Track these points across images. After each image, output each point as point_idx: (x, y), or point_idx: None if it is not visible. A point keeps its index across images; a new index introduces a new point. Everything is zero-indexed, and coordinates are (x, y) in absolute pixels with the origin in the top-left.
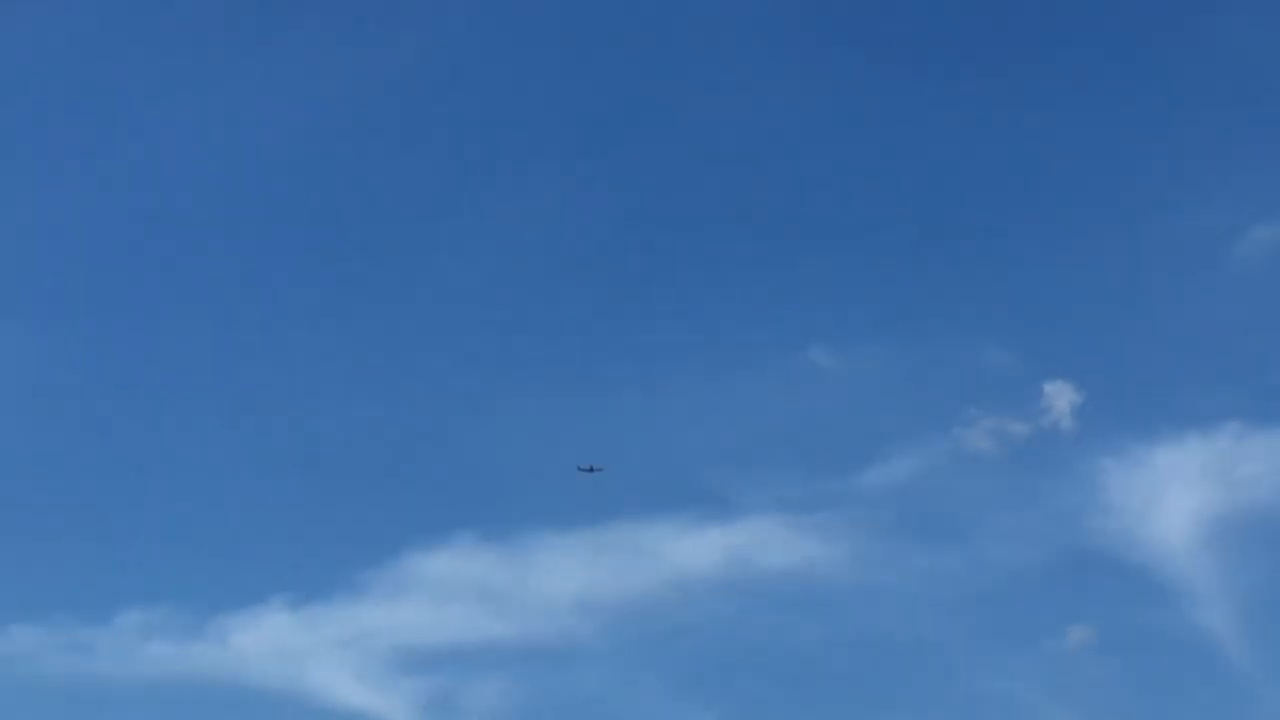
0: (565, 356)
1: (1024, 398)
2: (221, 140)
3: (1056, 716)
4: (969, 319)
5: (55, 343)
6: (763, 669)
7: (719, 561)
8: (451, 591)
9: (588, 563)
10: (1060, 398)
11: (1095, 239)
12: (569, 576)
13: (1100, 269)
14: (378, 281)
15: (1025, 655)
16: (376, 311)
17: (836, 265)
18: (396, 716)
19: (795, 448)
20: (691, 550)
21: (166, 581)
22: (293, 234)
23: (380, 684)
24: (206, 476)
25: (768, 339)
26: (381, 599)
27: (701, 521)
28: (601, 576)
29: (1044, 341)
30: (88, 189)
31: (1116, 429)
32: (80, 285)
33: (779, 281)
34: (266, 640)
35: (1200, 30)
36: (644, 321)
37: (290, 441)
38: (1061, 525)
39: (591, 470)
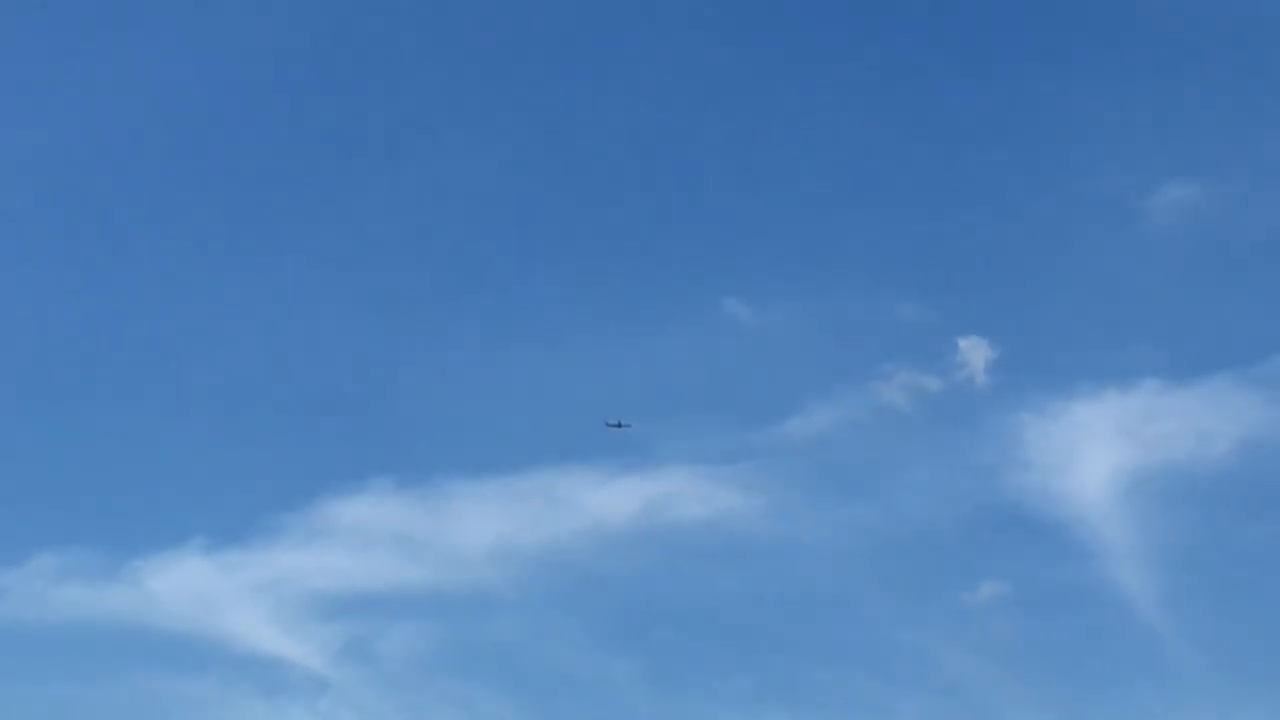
0: (483, 306)
1: (939, 353)
2: (146, 74)
3: (969, 670)
4: (884, 273)
5: None
6: (678, 619)
7: (636, 511)
8: (368, 538)
9: (505, 511)
10: (975, 353)
11: (1011, 197)
12: (486, 524)
13: (1016, 226)
14: (296, 231)
15: (939, 608)
16: (295, 260)
17: (752, 218)
18: (311, 662)
19: (712, 399)
20: (609, 500)
21: (81, 524)
22: (213, 183)
23: (295, 629)
24: (123, 420)
25: (683, 291)
26: (298, 544)
27: (619, 471)
28: (519, 525)
29: (959, 297)
30: None
31: (1032, 385)
32: None
33: (694, 234)
34: (182, 584)
35: None
36: (561, 272)
37: (208, 386)
38: (978, 480)
39: (620, 426)
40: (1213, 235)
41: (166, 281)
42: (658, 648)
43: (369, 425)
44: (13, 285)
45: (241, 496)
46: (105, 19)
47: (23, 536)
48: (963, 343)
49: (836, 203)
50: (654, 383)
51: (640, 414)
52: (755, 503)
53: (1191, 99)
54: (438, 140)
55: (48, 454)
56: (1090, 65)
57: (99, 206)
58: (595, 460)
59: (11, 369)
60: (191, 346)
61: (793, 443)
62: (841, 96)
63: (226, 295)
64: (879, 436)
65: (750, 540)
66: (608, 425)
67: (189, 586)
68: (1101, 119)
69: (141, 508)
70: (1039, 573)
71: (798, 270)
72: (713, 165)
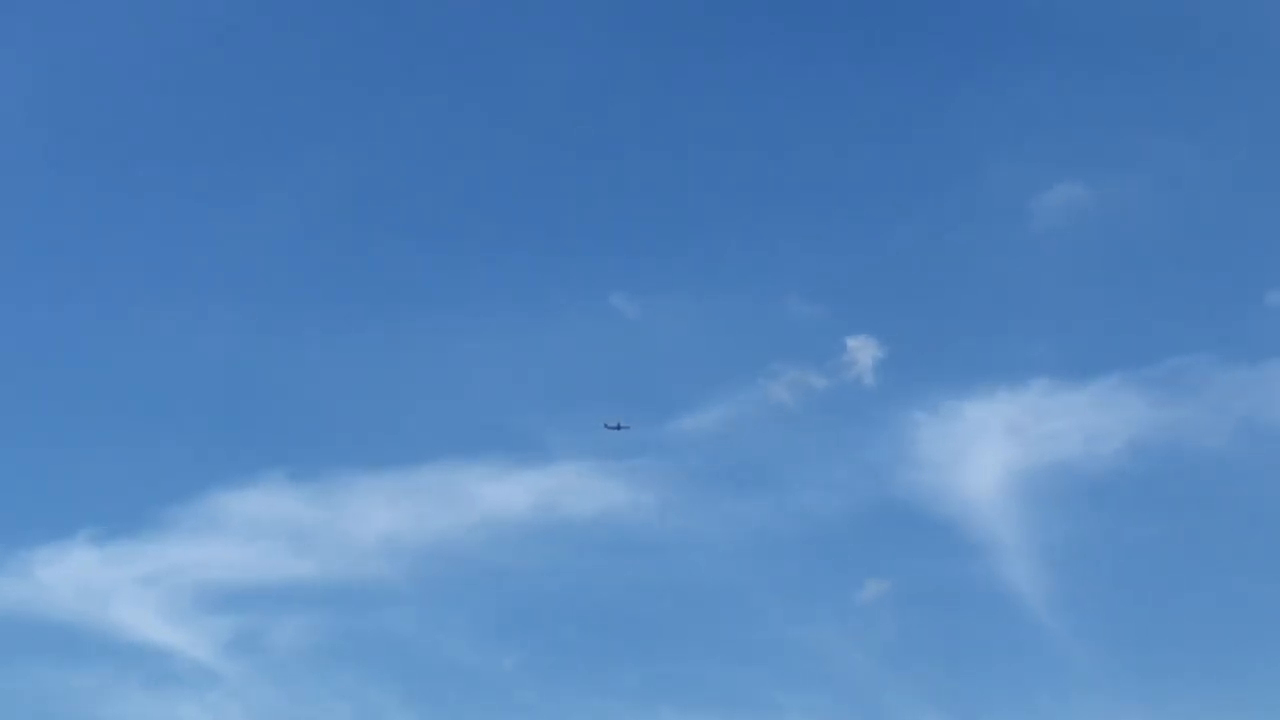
0: (374, 301)
1: (827, 352)
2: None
3: (859, 666)
4: (772, 271)
5: None
6: (569, 614)
7: (529, 506)
8: (259, 530)
9: (397, 504)
10: (863, 352)
11: (900, 197)
12: (378, 518)
13: (905, 226)
14: (184, 218)
15: (829, 605)
16: (186, 250)
17: (640, 214)
18: (201, 654)
19: (603, 394)
20: (501, 494)
21: None
22: (101, 169)
23: (185, 621)
24: (12, 410)
25: (570, 285)
26: (188, 536)
27: (512, 466)
28: (410, 518)
29: (847, 296)
30: None
31: (922, 384)
32: None
33: (582, 229)
34: (71, 575)
35: None
36: (450, 265)
37: (99, 376)
38: (869, 478)
39: (619, 428)
40: (1101, 236)
41: (56, 271)
42: (549, 642)
43: (261, 418)
44: None
45: (131, 488)
46: None
47: None
48: (851, 342)
49: (724, 200)
50: (544, 377)
51: (531, 409)
52: (646, 498)
53: (1080, 100)
54: (327, 132)
55: None
56: (980, 66)
57: None
58: (488, 455)
59: None
60: (86, 337)
61: (683, 439)
62: (732, 94)
63: (119, 286)
64: (769, 434)
65: (641, 536)
66: (606, 426)
67: (78, 578)
68: (991, 120)
69: (30, 499)
70: (929, 570)
71: (685, 267)
72: (601, 161)
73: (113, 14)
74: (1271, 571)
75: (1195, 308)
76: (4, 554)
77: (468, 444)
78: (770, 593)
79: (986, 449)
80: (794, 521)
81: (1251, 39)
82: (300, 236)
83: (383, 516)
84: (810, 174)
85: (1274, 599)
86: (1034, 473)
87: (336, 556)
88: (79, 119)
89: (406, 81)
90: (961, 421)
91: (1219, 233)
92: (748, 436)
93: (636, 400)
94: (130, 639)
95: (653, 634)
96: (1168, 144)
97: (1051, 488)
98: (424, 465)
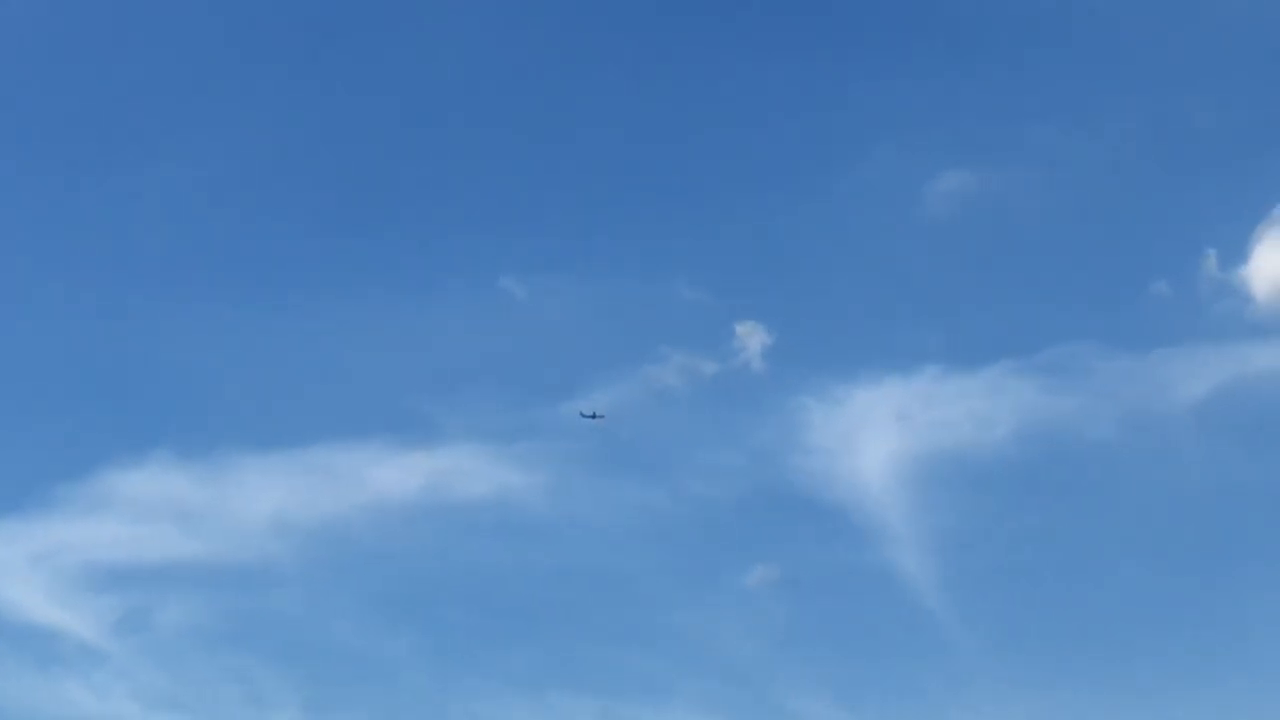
0: (265, 282)
1: (716, 337)
2: None
3: (747, 650)
4: (661, 257)
5: None
6: (458, 595)
7: (419, 487)
8: (147, 509)
9: (286, 485)
10: (752, 338)
11: (789, 184)
12: (267, 498)
13: (794, 213)
14: (69, 198)
15: (718, 589)
16: (72, 230)
17: (530, 198)
18: (87, 633)
19: (492, 377)
20: (391, 475)
21: None
22: None
23: (71, 601)
24: None
25: (459, 267)
26: (76, 515)
27: (402, 447)
28: (300, 499)
29: (736, 283)
30: None
31: (811, 370)
32: None
33: (471, 211)
34: None
35: None
36: (339, 247)
37: None
38: (760, 462)
39: (595, 417)
40: (988, 223)
41: None
42: (437, 624)
43: (150, 398)
44: None
45: (18, 466)
46: None
47: None
48: (739, 328)
49: (615, 185)
50: (434, 359)
51: (421, 391)
52: (537, 481)
53: (967, 90)
54: (216, 113)
55: None
56: (867, 54)
57: None
58: (378, 436)
59: None
60: None
61: (573, 422)
62: (622, 80)
63: (4, 268)
64: (659, 418)
65: (532, 518)
66: (582, 415)
67: None
68: (879, 108)
69: None
70: (818, 555)
71: (574, 250)
72: (490, 144)
73: None
74: (1155, 558)
75: (1082, 296)
76: None
77: (357, 425)
78: (660, 577)
79: (876, 435)
80: (684, 506)
81: (1134, 30)
82: (190, 217)
83: (271, 497)
84: (700, 160)
85: (1157, 585)
86: (923, 459)
87: (224, 537)
88: None
89: (300, 64)
90: (852, 408)
91: (1103, 222)
92: (639, 420)
93: (527, 383)
94: (17, 618)
95: (542, 617)
96: (1053, 133)
97: (940, 474)
98: (313, 446)
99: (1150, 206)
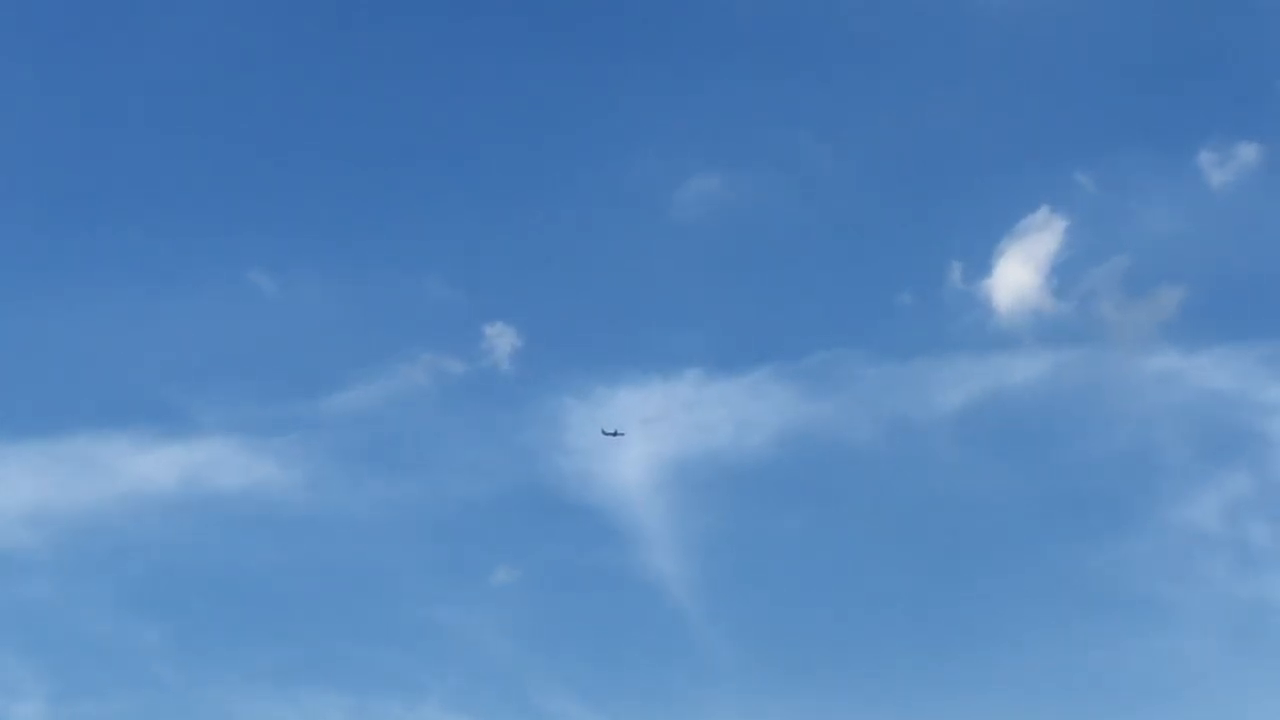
0: (16, 270)
1: (464, 337)
2: None
3: (502, 649)
4: (411, 255)
5: None
6: (212, 588)
7: (175, 479)
8: None
9: (40, 475)
10: (501, 340)
11: (539, 185)
12: (19, 488)
13: (545, 215)
14: None
15: (473, 588)
16: None
17: (278, 191)
18: None
19: (247, 370)
20: (147, 466)
21: None
22: None
23: None
24: None
25: (207, 260)
26: None
27: (158, 438)
28: (54, 489)
29: (486, 283)
30: None
31: (565, 373)
32: None
33: (219, 204)
34: None
35: None
36: (88, 239)
37: None
38: (520, 462)
39: (615, 434)
40: (737, 228)
41: None
42: (190, 617)
43: None
44: None
45: None
46: None
47: None
48: (488, 329)
49: (367, 181)
50: (188, 351)
51: (176, 382)
52: (294, 475)
53: (716, 95)
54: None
55: None
56: (619, 59)
57: None
58: (134, 427)
59: None
60: None
61: (332, 418)
62: (375, 77)
63: None
64: (417, 415)
65: (288, 512)
66: (603, 433)
67: None
68: (629, 112)
69: None
70: (574, 555)
71: (324, 246)
72: (241, 139)
73: None
74: (911, 564)
75: (834, 304)
76: None
77: (113, 416)
78: (415, 574)
79: (636, 437)
80: (440, 503)
81: (885, 42)
82: None
83: (25, 486)
84: (452, 160)
85: (913, 592)
86: (683, 461)
87: None
88: None
89: (45, 52)
90: (612, 409)
91: (852, 231)
92: (395, 417)
93: (281, 377)
94: None
95: (296, 612)
96: (803, 141)
97: (700, 477)
98: (68, 436)
99: (898, 217)
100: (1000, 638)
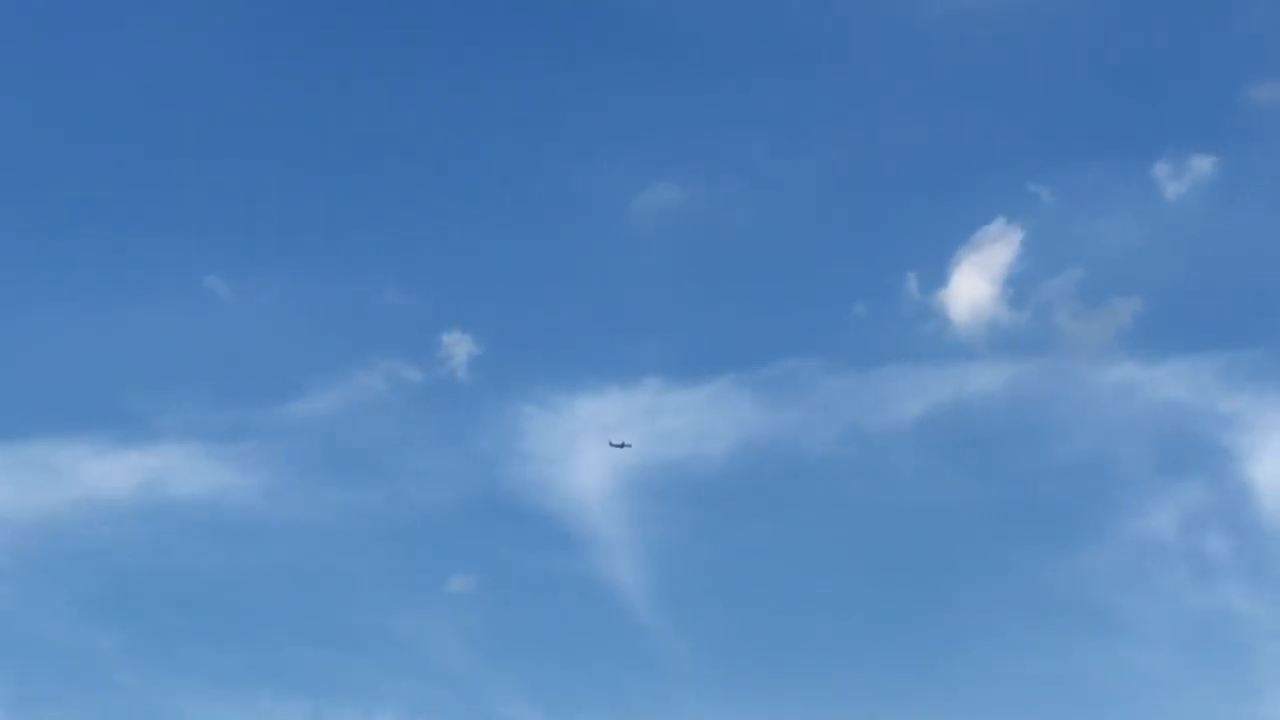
0: None
1: (422, 345)
2: None
3: (459, 656)
4: (368, 261)
5: None
6: (171, 595)
7: (133, 485)
8: None
9: None
10: (458, 348)
11: (496, 193)
12: None
13: (502, 223)
14: None
15: (430, 594)
16: None
17: (234, 197)
18: None
19: (204, 377)
20: (104, 472)
21: None
22: None
23: None
24: None
25: (163, 266)
26: None
27: (116, 444)
28: (11, 494)
29: (444, 291)
30: None
31: (523, 381)
32: None
33: (175, 210)
34: None
35: None
36: (44, 244)
37: None
38: (478, 469)
39: (623, 446)
40: (695, 237)
41: None
42: (147, 623)
43: None
44: None
45: None
46: None
47: None
48: (446, 337)
49: (325, 188)
50: (145, 357)
51: (134, 388)
52: (252, 482)
53: (674, 103)
54: None
55: None
56: (577, 67)
57: None
58: (91, 432)
59: None
60: None
61: (290, 424)
62: (331, 82)
63: None
64: (375, 423)
65: (246, 519)
66: (611, 445)
67: None
68: (587, 120)
69: None
70: (532, 563)
71: (281, 252)
72: (196, 144)
73: None
74: (869, 573)
75: (792, 314)
76: None
77: (70, 421)
78: (373, 581)
79: (596, 445)
80: (398, 510)
81: (842, 53)
82: None
83: None
84: (409, 168)
85: (871, 601)
86: (643, 470)
87: None
88: None
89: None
90: (571, 418)
91: (809, 240)
92: (353, 424)
93: (238, 383)
94: None
95: (253, 618)
96: (760, 150)
97: (659, 485)
98: (25, 441)
99: (855, 227)
100: (957, 646)
